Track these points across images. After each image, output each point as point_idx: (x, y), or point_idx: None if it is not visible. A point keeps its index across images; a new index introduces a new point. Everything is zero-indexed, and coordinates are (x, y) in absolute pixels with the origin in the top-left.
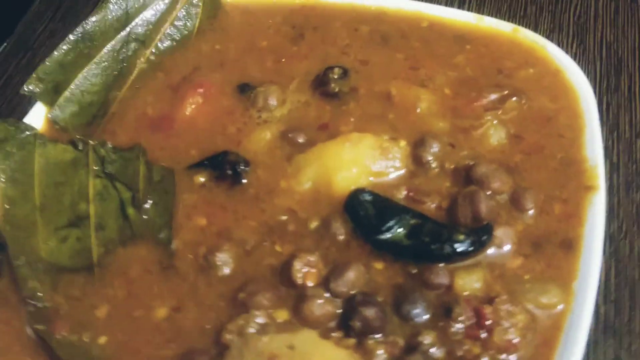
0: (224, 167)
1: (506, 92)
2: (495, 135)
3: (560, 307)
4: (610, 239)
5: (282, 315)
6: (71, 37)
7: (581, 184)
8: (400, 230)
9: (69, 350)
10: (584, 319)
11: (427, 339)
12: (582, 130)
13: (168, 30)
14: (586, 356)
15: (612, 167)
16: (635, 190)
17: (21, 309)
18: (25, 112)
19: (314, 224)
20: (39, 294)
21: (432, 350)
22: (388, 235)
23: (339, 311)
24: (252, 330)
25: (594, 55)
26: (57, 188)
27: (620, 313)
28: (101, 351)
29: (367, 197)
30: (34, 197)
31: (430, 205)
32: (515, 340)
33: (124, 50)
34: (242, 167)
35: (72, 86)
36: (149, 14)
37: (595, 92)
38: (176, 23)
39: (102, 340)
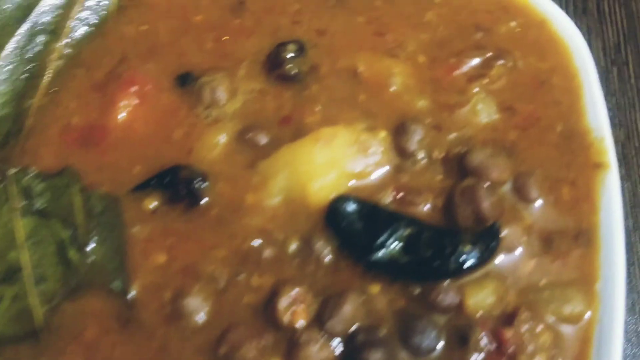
0: (177, 186)
1: (489, 54)
2: (485, 110)
3: (587, 315)
4: None
5: None
6: None
7: (588, 161)
8: (395, 244)
9: None
10: (615, 329)
11: None
12: (580, 93)
13: (81, 14)
14: None
15: None
16: (619, 127)
17: None
18: None
19: (293, 246)
20: None
21: None
22: (382, 253)
23: (340, 351)
24: None
25: None
26: None
27: None
28: None
29: (352, 207)
30: None
31: (424, 207)
32: None
33: (31, 45)
34: (199, 184)
35: None
36: None
37: None
38: (89, 3)
39: None
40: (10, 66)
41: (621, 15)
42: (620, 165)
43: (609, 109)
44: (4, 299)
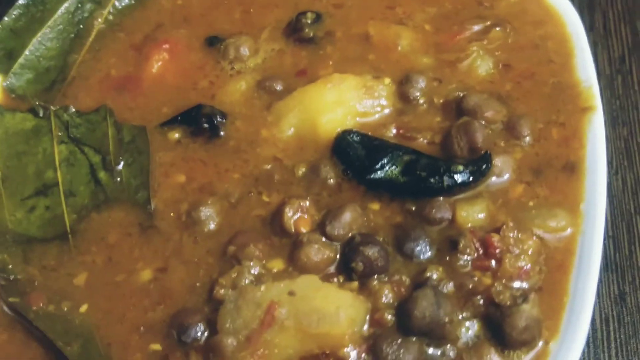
0: (199, 121)
1: (489, 22)
2: (483, 65)
3: (569, 230)
4: None
5: (277, 264)
6: (21, 1)
7: (577, 107)
8: (394, 167)
9: (48, 321)
10: (597, 240)
11: (434, 274)
12: (572, 54)
13: None
14: None
15: None
16: (622, 125)
17: None
18: None
19: (301, 171)
20: (9, 266)
21: (441, 285)
22: (382, 173)
23: (338, 255)
24: (247, 281)
25: None
26: (19, 158)
27: (620, 248)
28: (83, 319)
29: (356, 138)
30: None
31: (422, 141)
32: (527, 267)
33: (79, 11)
34: (219, 120)
35: (26, 52)
36: None
37: None
38: None
39: (83, 308)
40: (60, 27)
41: (626, 32)
42: (622, 158)
43: (613, 110)
44: (38, 208)
